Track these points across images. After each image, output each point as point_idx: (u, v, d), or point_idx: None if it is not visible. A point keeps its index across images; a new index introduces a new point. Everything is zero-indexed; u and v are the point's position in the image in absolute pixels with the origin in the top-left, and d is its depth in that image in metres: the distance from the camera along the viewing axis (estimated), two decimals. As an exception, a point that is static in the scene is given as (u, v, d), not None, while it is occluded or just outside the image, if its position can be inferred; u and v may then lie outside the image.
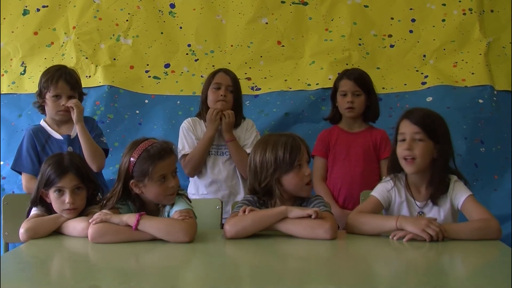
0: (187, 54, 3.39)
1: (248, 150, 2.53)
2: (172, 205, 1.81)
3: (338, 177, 2.57)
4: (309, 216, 1.75)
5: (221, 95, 2.54)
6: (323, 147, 2.63)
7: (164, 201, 1.81)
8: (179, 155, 2.56)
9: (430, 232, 1.68)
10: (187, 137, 2.58)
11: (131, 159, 1.77)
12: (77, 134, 2.43)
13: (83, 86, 2.55)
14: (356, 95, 2.57)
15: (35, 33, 3.40)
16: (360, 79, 2.59)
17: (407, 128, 1.90)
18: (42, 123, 2.48)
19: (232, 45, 3.39)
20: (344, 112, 2.61)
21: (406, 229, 1.73)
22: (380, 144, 2.57)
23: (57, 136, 2.43)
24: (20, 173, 2.41)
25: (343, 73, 2.66)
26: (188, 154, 2.55)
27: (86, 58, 3.31)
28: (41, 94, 2.42)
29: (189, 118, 2.66)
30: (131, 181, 1.77)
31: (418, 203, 1.95)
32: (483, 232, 1.74)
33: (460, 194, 1.88)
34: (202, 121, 2.61)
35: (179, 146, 2.58)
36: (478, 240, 1.72)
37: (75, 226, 1.83)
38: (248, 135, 2.62)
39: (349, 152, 2.58)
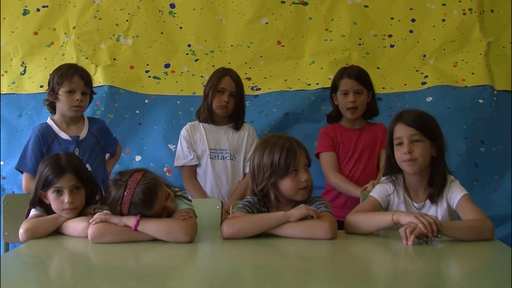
0: (187, 54, 3.39)
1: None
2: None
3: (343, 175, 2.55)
4: (309, 216, 1.75)
5: (224, 101, 2.54)
6: (330, 141, 2.57)
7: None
8: (175, 163, 2.59)
9: (422, 220, 1.66)
10: (183, 147, 2.59)
11: (125, 193, 1.69)
12: (86, 135, 2.43)
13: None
14: (357, 93, 2.55)
15: (35, 33, 3.40)
16: (361, 77, 2.57)
17: (403, 131, 1.89)
18: (49, 121, 2.44)
19: (232, 45, 3.39)
20: (345, 112, 2.58)
21: (402, 221, 1.71)
22: (382, 137, 2.54)
23: (65, 136, 2.40)
24: (22, 173, 2.39)
25: (342, 71, 2.62)
26: (180, 166, 2.56)
27: (86, 58, 3.31)
28: (53, 90, 2.38)
29: (188, 124, 2.66)
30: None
31: (415, 204, 1.95)
32: (478, 231, 1.74)
33: (455, 194, 1.88)
34: (200, 124, 2.62)
35: (177, 152, 2.61)
36: (474, 241, 1.71)
37: (75, 226, 1.82)
38: (250, 141, 2.62)
39: (355, 149, 2.55)
